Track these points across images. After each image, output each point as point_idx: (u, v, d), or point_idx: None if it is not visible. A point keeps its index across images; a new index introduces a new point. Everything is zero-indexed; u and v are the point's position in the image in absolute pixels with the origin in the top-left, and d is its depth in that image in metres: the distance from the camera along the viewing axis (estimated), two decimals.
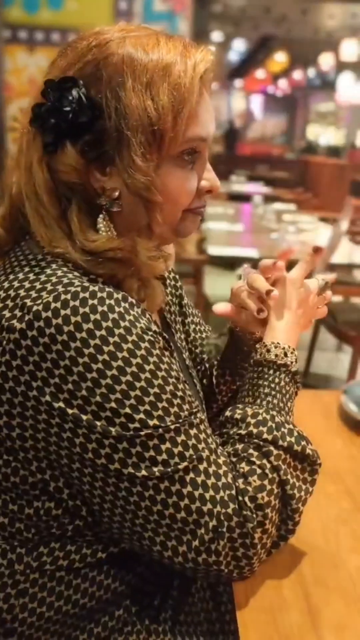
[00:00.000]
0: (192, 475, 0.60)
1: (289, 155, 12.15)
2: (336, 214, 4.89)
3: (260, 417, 0.68)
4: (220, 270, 4.06)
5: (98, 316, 0.58)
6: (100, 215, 0.65)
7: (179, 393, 0.62)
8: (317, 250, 0.78)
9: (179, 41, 0.65)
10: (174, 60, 0.62)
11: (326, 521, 0.79)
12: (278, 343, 0.74)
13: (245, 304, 0.79)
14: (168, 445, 0.60)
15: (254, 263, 0.81)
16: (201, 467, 0.61)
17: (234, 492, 0.62)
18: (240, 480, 0.63)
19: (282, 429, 0.67)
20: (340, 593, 0.66)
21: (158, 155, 0.63)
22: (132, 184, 0.63)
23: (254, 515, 0.62)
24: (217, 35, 10.82)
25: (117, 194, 0.65)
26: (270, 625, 0.62)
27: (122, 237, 0.66)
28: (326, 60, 10.31)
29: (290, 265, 0.78)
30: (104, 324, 0.58)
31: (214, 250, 2.82)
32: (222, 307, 0.84)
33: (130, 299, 0.62)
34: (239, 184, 6.51)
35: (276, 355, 0.73)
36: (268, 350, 0.74)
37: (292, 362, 0.73)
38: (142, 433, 0.58)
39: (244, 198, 5.15)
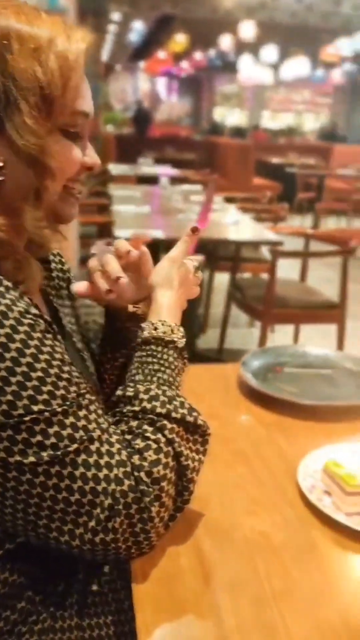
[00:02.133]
0: (83, 456, 0.60)
1: (196, 136, 12.23)
2: (242, 194, 5.00)
3: (152, 393, 0.69)
4: None
5: None
6: None
7: (65, 375, 0.61)
8: (194, 230, 0.80)
9: (59, 18, 0.66)
10: (58, 35, 0.64)
11: (223, 487, 0.81)
12: (165, 321, 0.75)
13: (95, 282, 0.79)
14: (56, 428, 0.59)
15: (109, 241, 0.82)
16: (93, 447, 0.61)
17: (128, 468, 0.62)
18: (136, 457, 0.63)
19: (174, 402, 0.68)
20: (235, 555, 0.68)
21: (48, 121, 0.63)
22: (25, 147, 0.62)
23: (151, 490, 0.62)
24: (115, 16, 10.61)
25: (0, 162, 0.63)
26: (165, 594, 0.62)
27: (4, 210, 0.64)
28: (226, 41, 10.43)
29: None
30: None
31: (121, 232, 2.79)
32: (78, 287, 0.83)
33: (5, 282, 0.60)
34: (147, 167, 6.48)
35: (164, 333, 0.74)
36: (155, 329, 0.74)
37: (179, 339, 0.75)
38: (26, 419, 0.57)
39: (152, 180, 5.14)
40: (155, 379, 0.71)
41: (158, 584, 0.64)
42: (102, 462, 0.61)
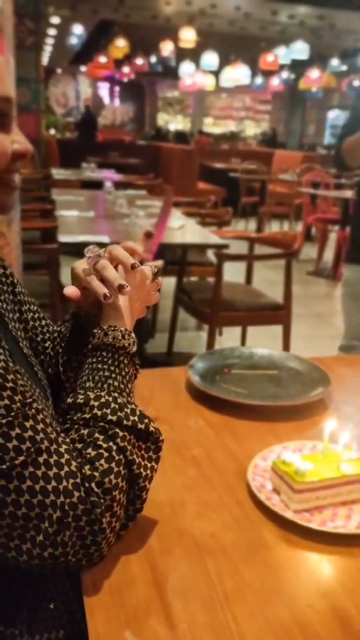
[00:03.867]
0: (31, 469, 0.58)
1: (140, 141, 12.25)
2: (187, 198, 5.04)
3: (103, 400, 0.67)
4: (76, 259, 3.98)
5: None
6: None
7: (9, 384, 0.58)
8: (149, 235, 0.79)
9: None
10: None
11: (172, 491, 0.81)
12: (115, 327, 0.74)
13: (92, 287, 0.74)
14: (1, 440, 0.56)
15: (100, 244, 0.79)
16: (41, 459, 0.59)
17: (78, 480, 0.60)
18: (87, 467, 0.62)
19: (125, 409, 0.68)
20: (186, 559, 0.68)
21: None
22: None
23: (102, 500, 0.61)
24: (54, 19, 10.49)
25: None
26: (117, 604, 0.61)
27: None
28: (167, 47, 10.49)
29: None
30: None
31: (65, 238, 2.74)
32: (72, 291, 0.79)
33: None
34: (91, 171, 6.42)
35: (114, 338, 0.73)
36: (106, 334, 0.73)
37: (129, 344, 0.74)
38: None
39: (96, 185, 5.10)
40: (105, 386, 0.70)
41: (109, 593, 0.63)
42: (50, 473, 0.59)
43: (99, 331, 0.74)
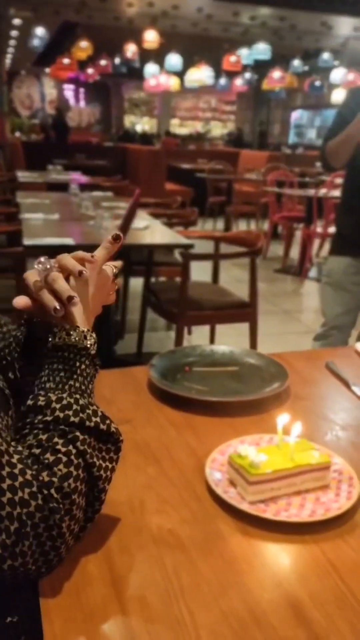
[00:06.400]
0: None
1: (107, 143, 12.20)
2: (153, 199, 5.04)
3: (65, 402, 0.67)
4: None
5: None
6: None
7: None
8: (116, 238, 0.79)
9: None
10: None
11: (132, 490, 0.81)
12: (77, 327, 0.73)
13: (42, 301, 0.74)
14: None
15: (51, 254, 0.79)
16: None
17: (34, 488, 0.60)
18: (45, 473, 0.61)
19: (87, 411, 0.68)
20: (143, 556, 0.68)
21: None
22: None
23: (61, 505, 0.61)
24: (15, 21, 10.37)
25: None
26: (74, 605, 0.61)
27: None
28: (130, 48, 10.48)
29: None
30: None
31: (30, 241, 2.72)
32: (22, 302, 0.77)
33: None
34: (57, 174, 6.37)
35: (76, 339, 0.73)
36: (68, 334, 0.73)
37: (91, 345, 0.74)
38: None
39: (62, 187, 5.06)
40: (67, 387, 0.70)
41: (67, 594, 0.63)
42: (4, 486, 0.58)
43: (61, 331, 0.73)
